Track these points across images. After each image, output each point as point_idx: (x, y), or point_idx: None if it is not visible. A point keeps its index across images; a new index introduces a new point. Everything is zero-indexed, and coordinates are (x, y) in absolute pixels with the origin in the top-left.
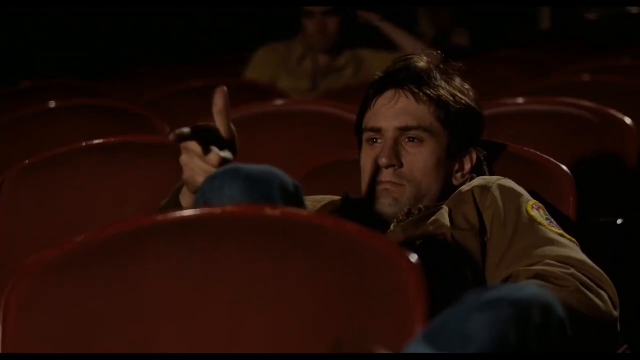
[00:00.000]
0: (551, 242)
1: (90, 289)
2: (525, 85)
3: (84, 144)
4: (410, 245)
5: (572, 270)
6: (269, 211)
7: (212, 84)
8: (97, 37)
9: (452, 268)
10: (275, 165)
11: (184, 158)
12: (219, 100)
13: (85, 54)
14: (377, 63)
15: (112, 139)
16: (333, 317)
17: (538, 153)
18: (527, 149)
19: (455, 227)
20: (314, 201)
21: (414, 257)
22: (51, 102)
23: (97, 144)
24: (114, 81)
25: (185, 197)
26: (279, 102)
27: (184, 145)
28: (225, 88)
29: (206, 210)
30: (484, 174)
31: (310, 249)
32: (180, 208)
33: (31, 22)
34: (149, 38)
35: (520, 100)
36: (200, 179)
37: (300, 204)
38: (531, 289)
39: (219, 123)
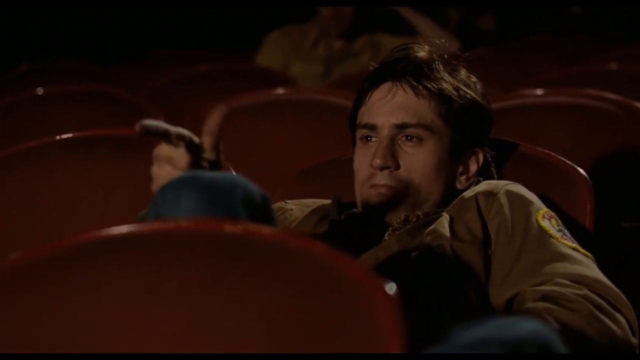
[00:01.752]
0: (563, 257)
1: (20, 312)
2: (551, 74)
3: (57, 137)
4: (404, 257)
5: (585, 291)
6: (228, 227)
7: (220, 68)
8: (107, 20)
9: (451, 284)
10: (273, 160)
11: (154, 169)
12: (212, 120)
13: (95, 37)
14: None
15: (89, 132)
16: (296, 354)
17: (552, 154)
18: (540, 149)
19: (455, 238)
20: (302, 206)
21: (391, 289)
22: (39, 88)
23: (72, 138)
24: (122, 65)
25: None
26: (280, 90)
27: (155, 154)
28: (224, 107)
29: (156, 225)
30: (492, 177)
31: (273, 274)
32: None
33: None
34: (160, 21)
35: (539, 91)
36: None
37: (268, 219)
38: (525, 325)
39: (206, 143)
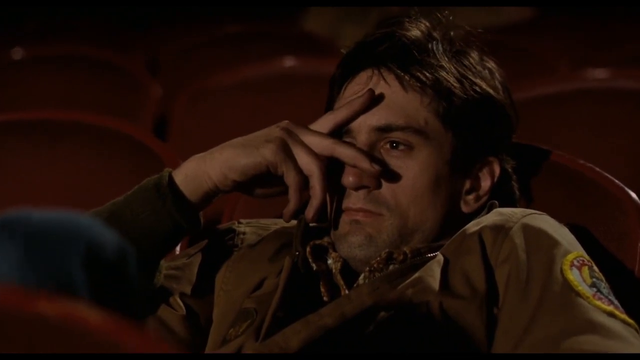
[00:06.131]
0: (592, 327)
1: None
2: (635, 47)
3: None
4: (375, 316)
5: None
6: (43, 306)
7: (253, 30)
8: None
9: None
10: None
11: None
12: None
13: None
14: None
15: (24, 116)
16: None
17: (596, 169)
18: (582, 161)
19: (448, 292)
20: (259, 228)
21: None
22: (17, 49)
23: (2, 122)
24: (147, 25)
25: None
26: (290, 62)
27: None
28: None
29: None
30: (512, 197)
31: None
32: None
33: None
34: None
35: (601, 73)
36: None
37: (125, 288)
38: None
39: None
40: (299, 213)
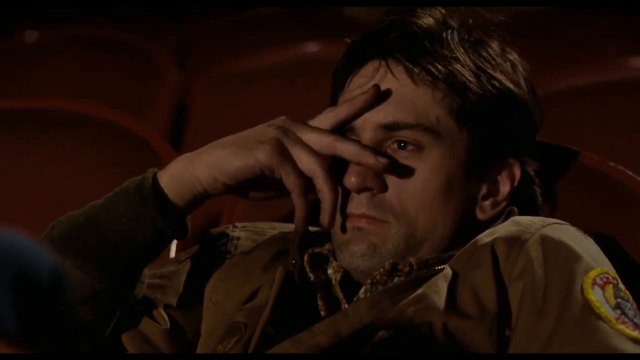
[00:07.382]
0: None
1: None
2: None
3: None
4: (372, 337)
5: None
6: None
7: (287, 12)
8: None
9: None
10: None
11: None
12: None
13: None
14: None
15: (7, 105)
16: None
17: (628, 173)
18: (612, 164)
19: (454, 311)
20: (255, 233)
21: None
22: (31, 32)
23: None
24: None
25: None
26: (313, 47)
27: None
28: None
29: None
30: (534, 202)
31: None
32: None
33: None
34: None
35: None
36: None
37: (61, 311)
38: None
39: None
40: (310, 217)
